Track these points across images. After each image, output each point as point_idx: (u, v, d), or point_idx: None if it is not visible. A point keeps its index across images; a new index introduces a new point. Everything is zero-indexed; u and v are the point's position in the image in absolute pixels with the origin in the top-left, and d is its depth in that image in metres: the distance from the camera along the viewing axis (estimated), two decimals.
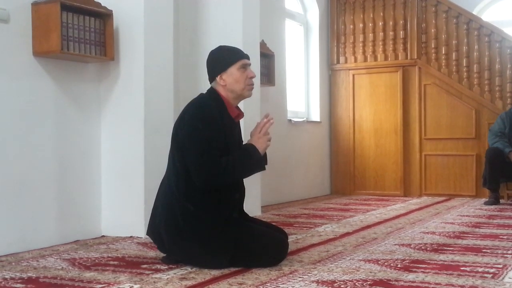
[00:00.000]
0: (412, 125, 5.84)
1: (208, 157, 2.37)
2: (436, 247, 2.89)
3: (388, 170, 5.92)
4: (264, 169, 2.53)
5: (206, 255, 2.39)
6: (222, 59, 2.52)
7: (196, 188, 2.40)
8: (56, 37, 2.93)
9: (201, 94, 2.59)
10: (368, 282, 2.15)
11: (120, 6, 3.29)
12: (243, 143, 2.62)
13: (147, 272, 2.36)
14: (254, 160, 2.46)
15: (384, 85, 5.95)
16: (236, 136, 2.57)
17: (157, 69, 3.40)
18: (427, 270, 2.34)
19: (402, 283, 2.13)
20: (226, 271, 2.35)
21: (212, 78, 2.54)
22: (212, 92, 2.54)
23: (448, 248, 2.87)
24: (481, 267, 2.40)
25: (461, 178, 5.62)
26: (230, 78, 2.50)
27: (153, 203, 2.60)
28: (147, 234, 2.61)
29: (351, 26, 6.12)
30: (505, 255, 2.67)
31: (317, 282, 2.16)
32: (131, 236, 3.28)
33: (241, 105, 4.13)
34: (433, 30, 5.78)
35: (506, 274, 2.26)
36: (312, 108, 6.09)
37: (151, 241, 2.66)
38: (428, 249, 2.85)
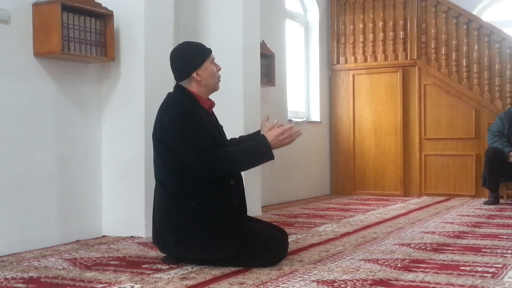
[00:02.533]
0: (412, 125, 5.85)
1: (203, 150, 2.39)
2: (436, 247, 2.90)
3: (388, 170, 5.93)
4: (272, 158, 2.51)
5: (214, 245, 2.39)
6: (196, 55, 2.53)
7: (194, 183, 2.42)
8: (57, 37, 2.93)
9: (170, 93, 2.60)
10: (368, 282, 2.15)
11: (121, 6, 3.30)
12: (257, 133, 2.65)
13: (148, 272, 2.37)
14: (263, 152, 2.47)
15: (384, 85, 5.96)
16: (214, 126, 2.58)
17: (157, 69, 3.40)
18: (427, 270, 2.35)
19: (402, 282, 2.14)
20: (226, 270, 2.36)
21: (185, 76, 2.53)
22: (180, 89, 2.55)
23: (447, 248, 2.87)
24: (480, 266, 2.41)
25: (461, 178, 5.63)
26: (205, 73, 2.53)
27: (153, 203, 2.60)
28: (153, 243, 2.62)
29: (351, 27, 6.13)
30: (505, 255, 2.67)
31: (317, 281, 2.17)
32: (131, 236, 3.28)
33: (240, 106, 4.19)
34: (433, 30, 5.79)
35: (505, 274, 2.27)
36: (312, 108, 6.09)
37: (152, 241, 2.66)
38: (428, 248, 2.86)
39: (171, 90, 3.51)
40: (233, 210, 2.47)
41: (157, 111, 3.39)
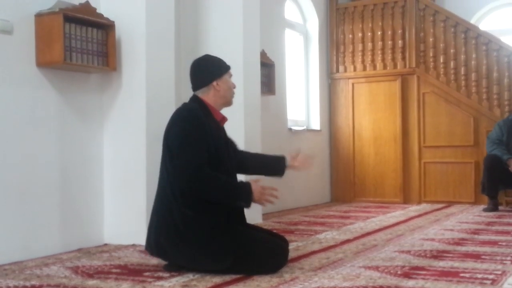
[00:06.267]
0: (411, 133, 5.87)
1: (194, 159, 2.40)
2: (435, 254, 2.91)
3: (388, 177, 5.95)
4: (248, 207, 2.53)
5: (208, 257, 2.42)
6: (217, 66, 2.62)
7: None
8: (59, 48, 2.97)
9: (184, 103, 2.64)
10: None
11: (122, 17, 3.33)
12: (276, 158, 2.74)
13: (149, 279, 2.38)
14: (240, 198, 2.47)
15: (383, 93, 5.99)
16: (222, 139, 2.62)
17: (158, 79, 3.44)
18: (427, 277, 2.37)
19: None
20: (227, 278, 2.37)
21: (204, 84, 2.59)
22: (196, 99, 2.61)
23: (447, 255, 2.89)
24: (480, 273, 2.43)
25: (460, 185, 5.65)
26: (224, 85, 2.60)
27: (152, 208, 2.61)
28: (146, 249, 2.63)
29: (350, 36, 6.17)
30: (504, 261, 2.69)
31: None
32: (133, 244, 3.30)
33: (241, 115, 4.22)
34: (431, 39, 5.84)
35: (505, 280, 2.28)
36: (312, 116, 6.12)
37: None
38: (427, 255, 2.87)
39: (172, 99, 3.57)
40: (230, 222, 2.49)
41: (158, 120, 3.44)
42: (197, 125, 2.46)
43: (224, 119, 2.66)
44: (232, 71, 2.70)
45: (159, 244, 2.49)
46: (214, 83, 2.58)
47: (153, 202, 2.64)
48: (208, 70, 2.60)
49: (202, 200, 2.44)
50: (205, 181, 2.41)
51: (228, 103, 2.67)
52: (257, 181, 2.51)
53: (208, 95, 2.59)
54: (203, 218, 2.43)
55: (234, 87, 2.67)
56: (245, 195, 2.47)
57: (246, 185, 2.49)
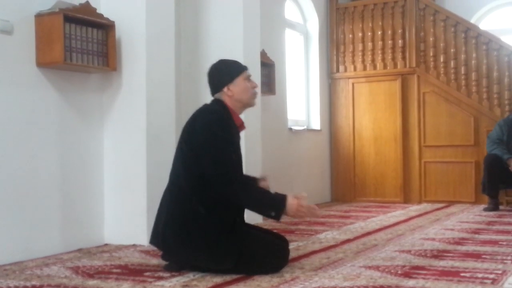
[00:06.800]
0: (411, 133, 5.88)
1: (225, 163, 2.43)
2: (436, 253, 2.91)
3: (388, 177, 5.95)
4: (278, 220, 2.48)
5: (213, 256, 2.42)
6: (229, 71, 2.61)
7: (209, 192, 2.44)
8: (59, 48, 2.97)
9: (206, 104, 2.64)
10: None
11: (122, 17, 3.33)
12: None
13: (149, 279, 2.38)
14: (274, 209, 2.43)
15: (384, 93, 5.99)
16: (239, 144, 2.64)
17: (158, 79, 3.44)
18: (427, 276, 2.37)
19: None
20: (228, 278, 2.37)
21: (217, 90, 2.61)
22: (217, 101, 2.61)
23: (448, 254, 2.89)
24: (480, 273, 2.43)
25: (461, 184, 5.65)
26: (237, 88, 2.59)
27: (156, 211, 2.62)
28: (150, 242, 2.64)
29: (350, 36, 6.17)
30: (505, 261, 2.69)
31: None
32: (133, 244, 3.30)
33: (241, 115, 4.20)
34: (431, 39, 5.84)
35: (505, 280, 2.28)
36: (312, 116, 6.12)
37: (154, 248, 2.68)
38: (428, 255, 2.87)
39: (172, 100, 3.57)
40: (238, 223, 2.50)
41: (158, 120, 3.44)
42: (224, 128, 2.48)
43: (242, 125, 2.66)
44: None
45: (166, 238, 2.49)
46: (225, 89, 2.58)
47: (153, 201, 2.64)
48: (218, 77, 2.60)
49: (218, 199, 2.44)
50: (241, 187, 2.44)
51: (248, 104, 2.66)
52: (297, 196, 2.45)
53: (225, 100, 2.60)
54: (214, 217, 2.43)
55: (254, 86, 2.63)
56: (278, 207, 2.42)
57: (282, 198, 2.44)
